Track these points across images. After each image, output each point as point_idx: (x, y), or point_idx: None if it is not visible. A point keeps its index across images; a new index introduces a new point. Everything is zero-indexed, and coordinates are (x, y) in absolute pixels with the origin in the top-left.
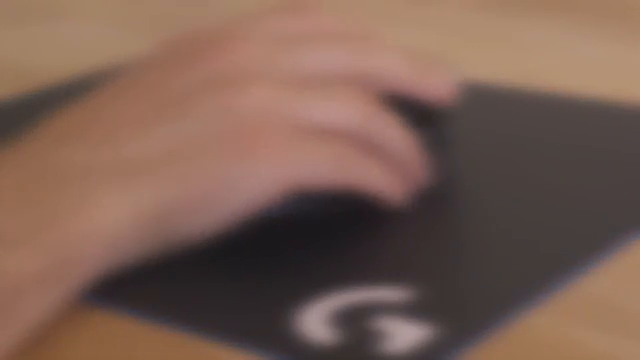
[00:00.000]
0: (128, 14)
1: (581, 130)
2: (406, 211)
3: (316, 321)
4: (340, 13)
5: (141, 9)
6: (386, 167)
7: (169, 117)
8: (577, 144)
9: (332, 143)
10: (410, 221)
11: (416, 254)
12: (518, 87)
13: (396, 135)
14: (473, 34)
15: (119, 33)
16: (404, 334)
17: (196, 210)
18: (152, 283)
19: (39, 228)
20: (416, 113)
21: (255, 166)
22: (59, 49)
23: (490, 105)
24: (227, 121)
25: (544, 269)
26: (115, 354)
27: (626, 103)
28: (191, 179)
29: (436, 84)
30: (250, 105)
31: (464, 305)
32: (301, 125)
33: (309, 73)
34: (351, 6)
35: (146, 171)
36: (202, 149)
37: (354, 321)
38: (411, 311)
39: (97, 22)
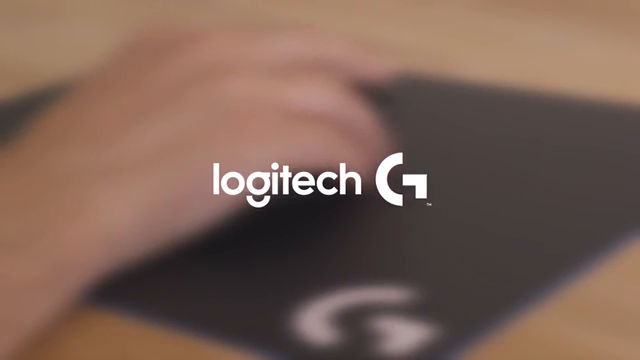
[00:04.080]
0: (128, 14)
1: (581, 130)
2: (407, 211)
3: (316, 321)
4: (339, 13)
5: (141, 9)
6: (359, 147)
7: (156, 111)
8: (577, 144)
9: (315, 126)
10: (410, 221)
11: (416, 254)
12: (518, 87)
13: (366, 117)
14: (474, 34)
15: (119, 33)
16: (404, 334)
17: (194, 201)
18: (151, 283)
19: (38, 232)
20: (368, 96)
21: (247, 152)
22: (59, 49)
23: (490, 105)
24: (215, 111)
25: (544, 269)
26: (114, 354)
27: (626, 103)
28: (186, 171)
29: (377, 66)
30: (235, 94)
31: (464, 305)
32: (285, 110)
33: (276, 63)
34: (351, 6)
35: (140, 167)
36: (193, 140)
37: (354, 321)
38: (411, 311)
39: (97, 22)
